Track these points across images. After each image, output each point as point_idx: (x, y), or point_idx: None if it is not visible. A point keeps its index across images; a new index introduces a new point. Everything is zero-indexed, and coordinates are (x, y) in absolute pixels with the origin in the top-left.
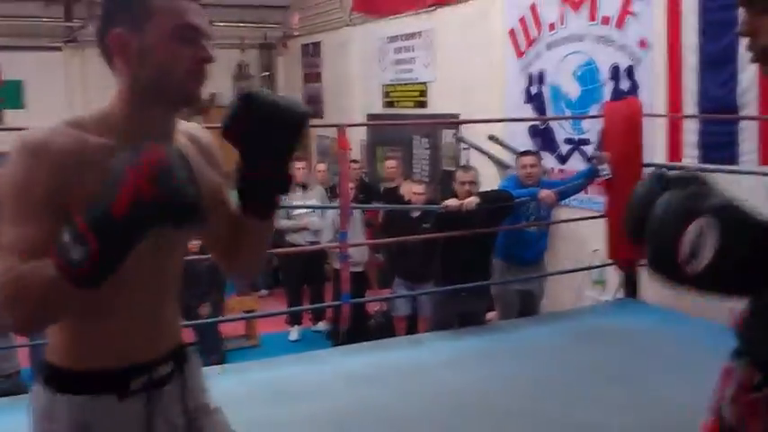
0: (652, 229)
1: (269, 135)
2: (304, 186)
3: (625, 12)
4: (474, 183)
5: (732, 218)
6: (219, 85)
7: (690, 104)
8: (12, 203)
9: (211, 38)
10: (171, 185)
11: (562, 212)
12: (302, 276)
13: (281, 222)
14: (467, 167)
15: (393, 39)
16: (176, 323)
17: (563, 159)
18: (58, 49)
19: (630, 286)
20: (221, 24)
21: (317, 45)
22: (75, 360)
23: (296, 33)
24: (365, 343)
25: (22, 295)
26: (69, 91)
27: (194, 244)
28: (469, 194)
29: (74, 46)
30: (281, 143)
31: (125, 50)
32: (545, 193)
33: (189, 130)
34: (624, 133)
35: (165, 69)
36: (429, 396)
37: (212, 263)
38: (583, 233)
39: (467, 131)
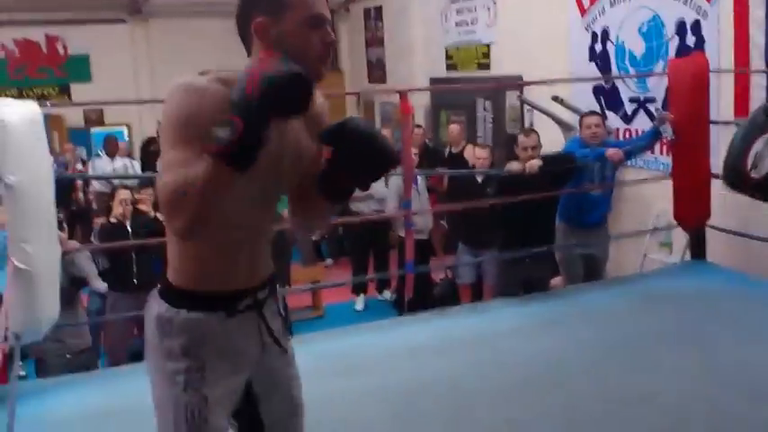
0: (731, 144)
1: (356, 164)
2: None
3: None
4: (536, 147)
5: None
6: None
7: (757, 59)
8: (177, 131)
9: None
10: (284, 65)
11: (627, 173)
12: (367, 245)
13: None
14: (528, 131)
15: (455, 0)
16: (269, 258)
17: (628, 119)
18: (123, 21)
19: (698, 248)
20: None
21: (378, 9)
22: (194, 283)
23: None
24: (430, 312)
25: (189, 191)
26: (135, 63)
27: None
28: (532, 159)
29: (138, 17)
30: (365, 174)
31: (266, 35)
32: (612, 151)
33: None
34: (690, 91)
35: (299, 51)
36: (495, 366)
37: (277, 233)
38: (648, 194)
39: (530, 93)
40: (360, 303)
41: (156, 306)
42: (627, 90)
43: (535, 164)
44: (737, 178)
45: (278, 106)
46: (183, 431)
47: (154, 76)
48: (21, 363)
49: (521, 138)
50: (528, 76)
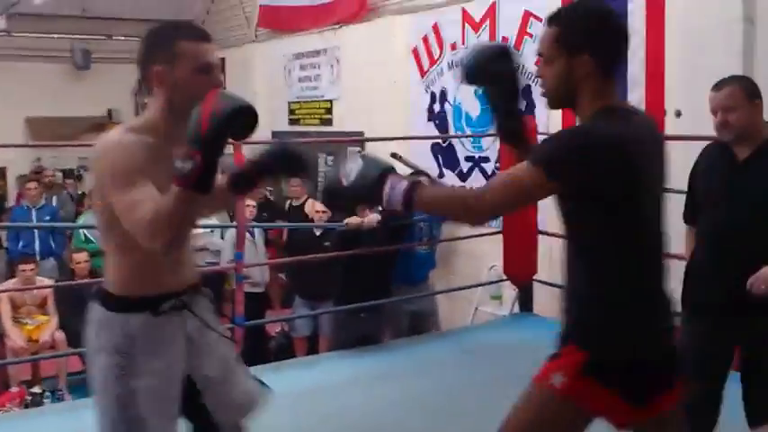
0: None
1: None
2: None
3: (523, 33)
4: None
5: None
6: (119, 100)
7: None
8: (122, 179)
9: (218, 67)
10: (230, 99)
11: (460, 230)
12: None
13: None
14: None
15: (298, 56)
16: (192, 267)
17: (464, 177)
18: None
19: (526, 300)
20: (121, 38)
21: (221, 61)
22: (126, 290)
23: None
24: (263, 365)
25: (162, 218)
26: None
27: (82, 265)
28: (370, 214)
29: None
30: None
31: (164, 82)
32: None
33: None
34: None
35: (191, 95)
36: (326, 417)
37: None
38: (480, 250)
39: (371, 150)
40: None
41: (94, 312)
42: (463, 149)
43: (373, 218)
44: (333, 192)
45: (224, 137)
46: (117, 420)
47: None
48: None
49: None
50: (369, 133)
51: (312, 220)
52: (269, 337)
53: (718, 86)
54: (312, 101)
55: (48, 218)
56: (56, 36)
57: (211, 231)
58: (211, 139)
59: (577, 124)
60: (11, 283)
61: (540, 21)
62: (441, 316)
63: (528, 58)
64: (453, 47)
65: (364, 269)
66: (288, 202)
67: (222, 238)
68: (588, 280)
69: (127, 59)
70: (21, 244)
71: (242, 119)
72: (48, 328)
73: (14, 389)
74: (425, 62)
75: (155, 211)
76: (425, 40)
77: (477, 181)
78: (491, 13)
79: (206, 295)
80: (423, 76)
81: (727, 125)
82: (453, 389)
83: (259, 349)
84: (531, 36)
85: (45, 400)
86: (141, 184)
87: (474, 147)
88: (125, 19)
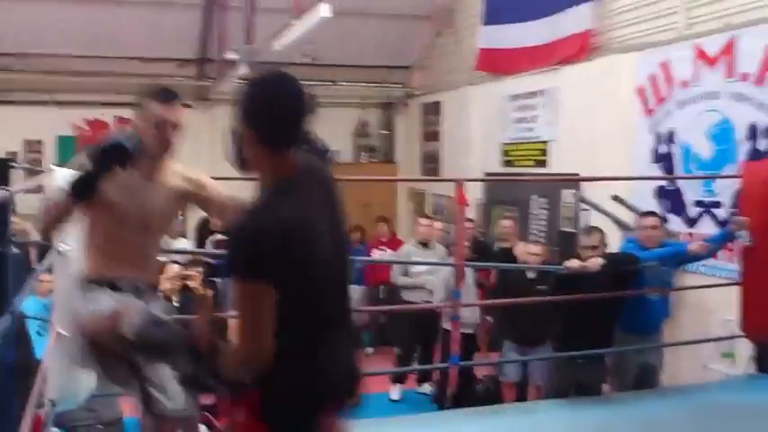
0: None
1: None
2: (425, 244)
3: (766, 68)
4: (597, 247)
5: None
6: (340, 142)
7: None
8: None
9: (179, 126)
10: (112, 139)
11: (688, 279)
12: (414, 336)
13: (399, 279)
14: (591, 229)
15: (515, 97)
16: (155, 273)
17: (692, 222)
18: (189, 106)
19: (764, 360)
20: (344, 83)
21: (436, 104)
22: (93, 271)
23: (417, 92)
24: (473, 408)
25: (47, 215)
26: (199, 146)
27: None
28: (593, 258)
29: (205, 104)
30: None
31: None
32: (696, 245)
33: (178, 167)
34: (765, 195)
35: (150, 143)
36: None
37: None
38: (710, 301)
39: (589, 193)
40: (396, 393)
41: (80, 287)
42: (691, 193)
43: (597, 262)
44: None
45: (104, 164)
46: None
47: (214, 156)
48: (55, 429)
49: (582, 236)
50: (587, 175)
51: (525, 263)
52: (477, 381)
53: None
54: (527, 142)
55: None
56: None
57: (429, 270)
58: (94, 163)
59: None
60: None
61: None
62: (663, 371)
63: None
64: (684, 84)
65: (586, 315)
66: (497, 243)
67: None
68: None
69: (349, 104)
70: None
71: (114, 154)
72: None
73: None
74: (652, 101)
75: (46, 208)
76: (652, 78)
77: (706, 227)
78: (728, 48)
79: (159, 299)
80: (648, 116)
81: None
82: None
83: (467, 391)
84: None
85: None
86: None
87: (705, 191)
88: (349, 65)
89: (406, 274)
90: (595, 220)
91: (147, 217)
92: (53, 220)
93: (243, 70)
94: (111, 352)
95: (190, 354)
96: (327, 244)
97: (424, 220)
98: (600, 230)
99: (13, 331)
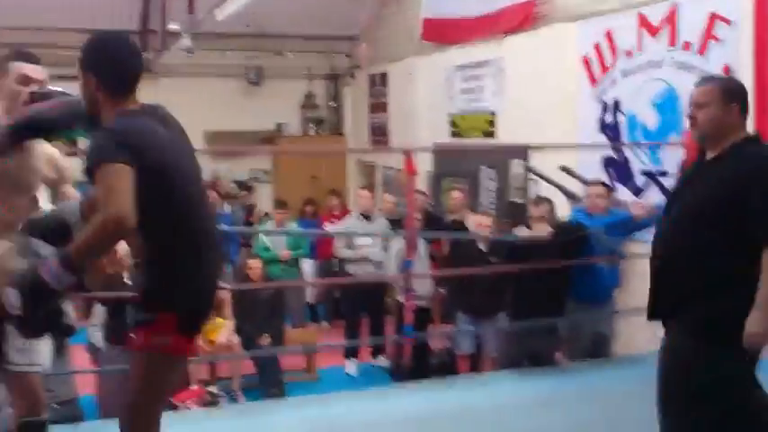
0: None
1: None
2: (367, 217)
3: (708, 37)
4: (545, 217)
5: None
6: (287, 114)
7: None
8: None
9: (42, 82)
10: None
11: (637, 247)
12: (362, 309)
13: (342, 252)
14: (539, 200)
15: (461, 68)
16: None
17: (639, 192)
18: None
19: None
20: (289, 54)
21: (384, 75)
22: None
23: (362, 63)
24: (427, 381)
25: None
26: None
27: (256, 271)
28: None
29: (148, 76)
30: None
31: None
32: (639, 208)
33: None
34: None
35: (14, 98)
36: None
37: (272, 293)
38: None
39: (537, 163)
40: (352, 368)
41: None
42: (638, 163)
43: (544, 230)
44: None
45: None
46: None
47: None
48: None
49: (531, 207)
50: (534, 145)
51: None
52: (432, 353)
53: (699, 83)
54: (475, 113)
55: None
56: (231, 52)
57: (372, 242)
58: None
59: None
60: None
61: (728, 23)
62: (616, 340)
63: (713, 63)
64: (628, 54)
65: (536, 285)
66: (448, 215)
67: (384, 249)
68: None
69: (296, 75)
70: None
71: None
72: (224, 330)
73: (194, 386)
74: (597, 70)
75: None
76: (597, 47)
77: (653, 196)
78: (671, 16)
79: None
80: (594, 85)
81: (694, 122)
82: (622, 421)
83: (422, 363)
84: (717, 40)
85: (221, 400)
86: None
87: (651, 160)
88: (294, 36)
89: (349, 247)
90: (544, 190)
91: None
92: None
93: (185, 41)
94: None
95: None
96: (176, 152)
97: (363, 192)
98: (548, 200)
99: None
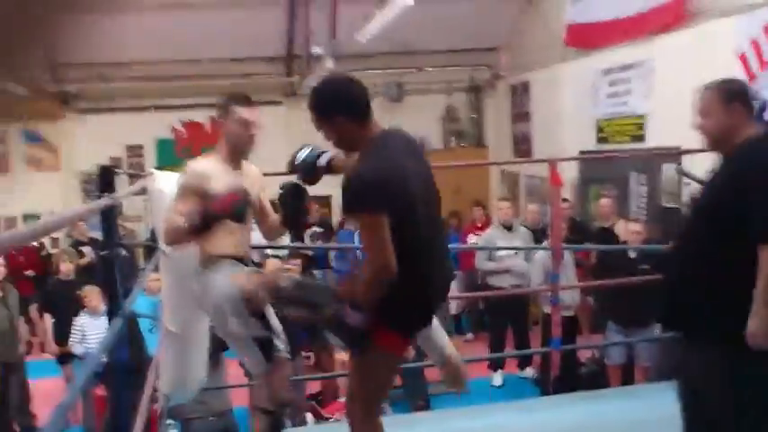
0: None
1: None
2: (509, 228)
3: None
4: None
5: None
6: (429, 129)
7: None
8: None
9: (259, 126)
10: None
11: None
12: (506, 320)
13: (484, 264)
14: None
15: (607, 71)
16: (248, 248)
17: None
18: (280, 103)
19: None
20: (429, 69)
21: (525, 84)
22: (209, 256)
23: (504, 74)
24: (577, 393)
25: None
26: (288, 140)
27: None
28: None
29: (294, 99)
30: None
31: (223, 130)
32: None
33: (251, 166)
34: None
35: (238, 140)
36: None
37: None
38: None
39: (691, 167)
40: (498, 379)
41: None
42: None
43: None
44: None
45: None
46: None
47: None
48: (170, 422)
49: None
50: (687, 147)
51: (625, 242)
52: (580, 364)
53: (701, 91)
54: (622, 117)
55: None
56: (373, 70)
57: (515, 253)
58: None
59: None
60: None
61: None
62: None
63: None
64: None
65: None
66: (597, 223)
67: (526, 260)
68: None
69: (436, 90)
70: (345, 264)
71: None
72: None
73: (342, 399)
74: (755, 67)
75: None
76: (754, 42)
77: None
78: None
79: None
80: (751, 83)
81: (702, 131)
82: None
83: (570, 375)
84: None
85: None
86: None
87: None
88: (434, 51)
89: (491, 258)
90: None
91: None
92: (176, 241)
93: (329, 64)
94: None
95: (333, 298)
96: (418, 182)
97: (502, 203)
98: None
99: (124, 332)
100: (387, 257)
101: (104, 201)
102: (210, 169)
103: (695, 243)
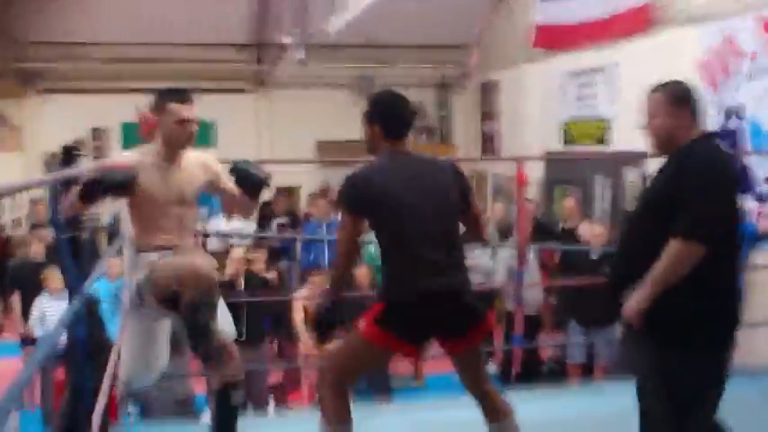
0: None
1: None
2: None
3: None
4: None
5: None
6: None
7: None
8: None
9: (197, 122)
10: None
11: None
12: None
13: None
14: None
15: (574, 74)
16: (191, 237)
17: (762, 199)
18: (248, 91)
19: None
20: (399, 66)
21: (495, 83)
22: (141, 245)
23: (474, 72)
24: (539, 390)
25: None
26: (257, 130)
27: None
28: None
29: (262, 88)
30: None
31: (158, 125)
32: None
33: (198, 155)
34: None
35: (173, 137)
36: None
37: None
38: None
39: (654, 169)
40: None
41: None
42: (762, 170)
43: None
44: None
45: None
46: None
47: (274, 141)
48: (131, 407)
49: None
50: (652, 153)
51: (588, 244)
52: (541, 362)
53: (649, 92)
54: (588, 120)
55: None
56: (342, 63)
57: (481, 251)
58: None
59: None
60: (303, 292)
61: None
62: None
63: None
64: (753, 57)
65: None
66: (561, 223)
67: (491, 259)
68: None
69: (406, 85)
70: (312, 256)
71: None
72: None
73: (305, 388)
74: (718, 76)
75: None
76: (716, 51)
77: None
78: None
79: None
80: (714, 90)
81: (648, 131)
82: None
83: (532, 372)
84: None
85: None
86: None
87: None
88: (405, 45)
89: None
90: None
91: (177, 195)
92: (69, 210)
93: (299, 54)
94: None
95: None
96: (412, 196)
97: None
98: None
99: (83, 312)
100: (342, 246)
101: (63, 173)
102: (139, 163)
103: (638, 240)
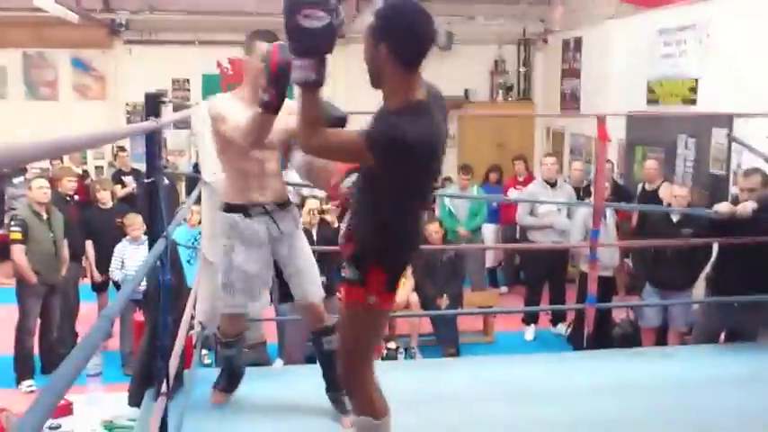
0: None
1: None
2: (552, 184)
3: None
4: (754, 189)
5: None
6: (477, 80)
7: None
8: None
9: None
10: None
11: None
12: (544, 276)
13: (525, 219)
14: (751, 171)
15: (662, 32)
16: (281, 189)
17: None
18: None
19: None
20: (481, 19)
21: (578, 40)
22: (230, 198)
23: (557, 29)
24: (610, 350)
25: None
26: (334, 81)
27: (437, 235)
28: (746, 201)
29: (342, 42)
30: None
31: (246, 68)
32: None
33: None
34: None
35: (260, 77)
36: (678, 414)
37: (452, 256)
38: None
39: (743, 133)
40: (530, 333)
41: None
42: None
43: (749, 206)
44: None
45: (289, 71)
46: (223, 283)
47: (351, 94)
48: (207, 351)
49: (741, 178)
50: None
51: (669, 206)
52: (614, 324)
53: None
54: (674, 79)
55: None
56: None
57: (557, 210)
58: (278, 75)
59: (387, 111)
60: None
61: None
62: None
63: None
64: None
65: (742, 259)
66: (640, 185)
67: (568, 217)
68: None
69: (487, 41)
70: None
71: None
72: (404, 288)
73: None
74: None
75: (246, 127)
76: None
77: None
78: None
79: (290, 211)
80: None
81: None
82: None
83: (604, 334)
84: None
85: (399, 356)
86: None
87: None
88: (484, 2)
89: (532, 214)
90: (748, 162)
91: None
92: (255, 132)
93: (379, 4)
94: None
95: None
96: (436, 149)
97: (547, 159)
98: (761, 172)
99: (167, 254)
100: (326, 149)
101: (149, 123)
102: (226, 109)
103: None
